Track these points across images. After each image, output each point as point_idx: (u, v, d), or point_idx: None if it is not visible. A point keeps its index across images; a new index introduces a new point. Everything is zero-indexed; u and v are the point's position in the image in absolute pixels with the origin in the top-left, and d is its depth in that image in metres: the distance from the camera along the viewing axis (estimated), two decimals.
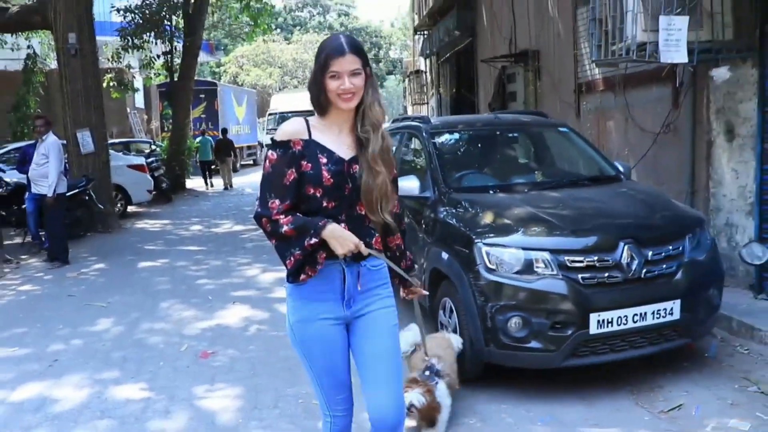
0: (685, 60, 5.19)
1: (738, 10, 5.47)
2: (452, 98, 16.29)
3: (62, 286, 7.72)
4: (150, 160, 15.96)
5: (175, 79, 19.12)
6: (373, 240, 2.47)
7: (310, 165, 2.37)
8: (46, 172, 8.71)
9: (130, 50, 18.31)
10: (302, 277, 2.41)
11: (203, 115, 26.65)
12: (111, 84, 18.52)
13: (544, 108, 9.74)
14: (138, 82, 24.13)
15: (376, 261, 2.50)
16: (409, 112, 24.19)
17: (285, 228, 2.35)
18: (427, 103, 20.45)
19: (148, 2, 18.22)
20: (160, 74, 20.59)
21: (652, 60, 5.22)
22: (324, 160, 2.38)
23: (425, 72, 20.60)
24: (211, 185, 20.29)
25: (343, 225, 2.38)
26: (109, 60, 18.85)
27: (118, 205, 13.43)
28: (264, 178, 2.42)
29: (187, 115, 19.72)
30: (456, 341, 4.06)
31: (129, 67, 20.53)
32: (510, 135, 5.80)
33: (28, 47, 19.41)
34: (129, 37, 17.84)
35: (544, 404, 4.05)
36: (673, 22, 5.13)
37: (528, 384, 4.29)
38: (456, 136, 5.70)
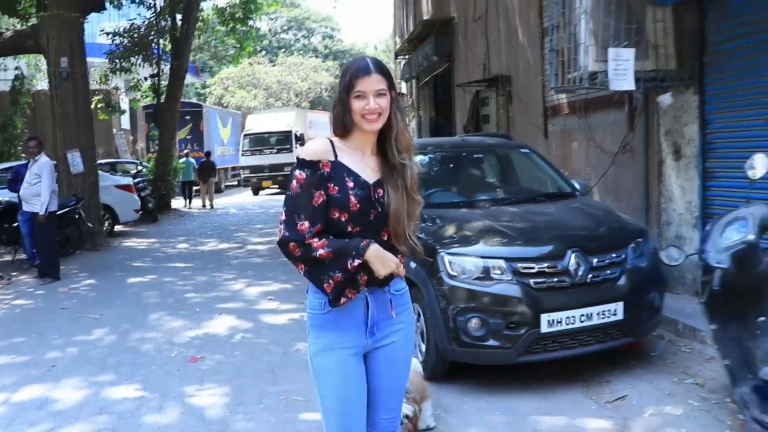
0: (633, 87, 5.74)
1: (679, 42, 6.03)
2: (431, 121, 16.85)
3: (55, 300, 8.09)
4: (136, 180, 16.34)
5: (162, 101, 19.57)
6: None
7: (336, 188, 2.30)
8: (38, 191, 9.10)
9: (117, 72, 18.79)
10: (343, 300, 2.32)
11: (189, 136, 27.07)
12: (99, 105, 18.89)
13: (514, 130, 10.30)
14: (124, 104, 24.57)
15: (398, 285, 2.46)
16: None
17: (320, 252, 2.26)
18: (408, 125, 21.01)
19: (136, 26, 18.71)
20: (147, 96, 21.03)
21: (602, 87, 5.76)
22: (351, 184, 2.31)
23: (407, 95, 21.16)
24: (189, 206, 20.89)
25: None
26: (97, 82, 19.28)
27: (106, 224, 13.79)
28: (291, 199, 2.32)
29: (173, 137, 20.15)
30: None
31: (116, 89, 20.95)
32: (475, 156, 6.32)
33: (16, 68, 19.79)
34: (117, 60, 18.33)
35: (501, 397, 4.50)
36: (621, 54, 5.67)
37: (488, 380, 4.75)
38: (427, 157, 6.21)
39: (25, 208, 9.41)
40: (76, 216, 11.25)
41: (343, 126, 2.35)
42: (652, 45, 5.95)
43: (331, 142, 2.38)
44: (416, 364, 4.35)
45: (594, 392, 4.58)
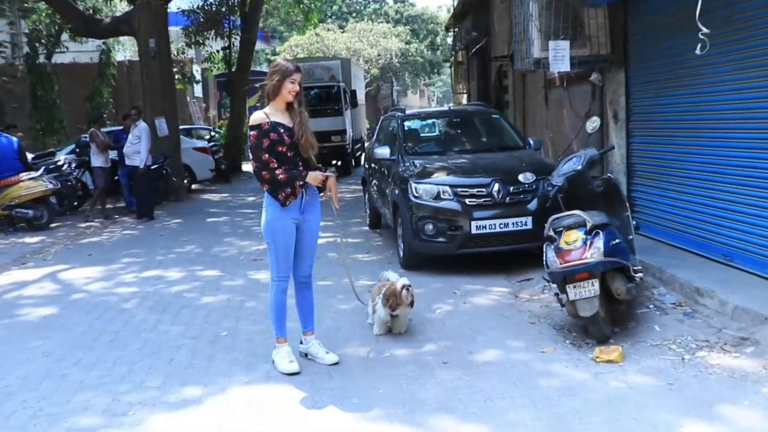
0: (568, 69, 8.52)
1: (612, 34, 8.76)
2: (479, 88, 19.64)
3: (153, 231, 11.65)
4: (210, 144, 19.92)
5: (233, 71, 23.02)
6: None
7: (275, 135, 4.65)
8: (138, 149, 12.60)
9: (192, 46, 22.44)
10: (288, 202, 4.71)
11: (258, 104, 30.56)
12: (176, 77, 22.51)
13: (527, 100, 13.11)
14: (197, 74, 28.33)
15: (314, 190, 4.88)
16: (454, 100, 27.49)
17: (281, 176, 4.61)
18: (465, 92, 23.76)
19: (209, 3, 22.20)
20: (219, 67, 24.61)
21: (545, 69, 8.60)
22: (281, 130, 4.69)
23: (464, 63, 23.89)
24: None
25: (300, 163, 4.74)
26: (174, 55, 22.93)
27: (185, 181, 17.36)
28: (254, 146, 4.66)
29: (244, 105, 23.66)
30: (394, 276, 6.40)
31: (192, 61, 24.67)
32: (455, 120, 9.36)
33: (103, 44, 23.61)
34: (192, 35, 21.93)
35: (444, 275, 7.55)
36: (559, 45, 8.48)
37: (439, 268, 7.78)
38: (419, 120, 9.26)
39: (127, 162, 12.91)
40: (164, 171, 14.74)
41: (276, 95, 4.71)
42: (588, 36, 8.72)
43: (264, 112, 4.75)
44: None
45: (512, 277, 7.55)
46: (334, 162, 21.21)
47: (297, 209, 4.84)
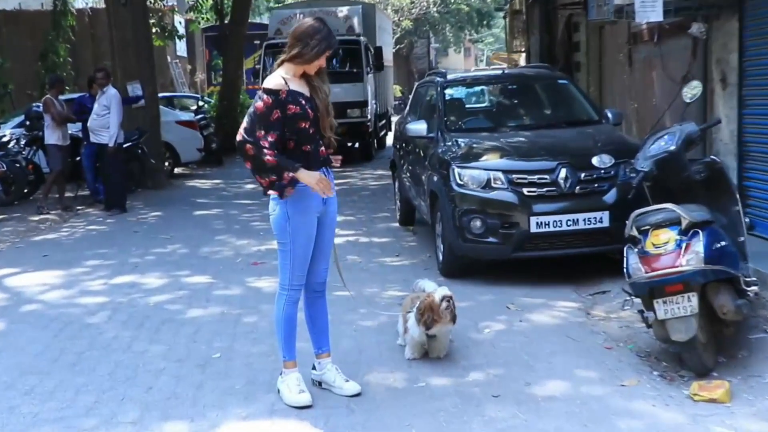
0: (661, 18, 8.48)
1: None
2: (544, 45, 19.55)
3: (126, 226, 11.87)
4: (198, 117, 19.93)
5: (225, 23, 23.08)
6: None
7: (297, 107, 4.71)
8: (107, 123, 12.67)
9: None
10: (269, 192, 4.77)
11: (258, 66, 30.73)
12: (154, 30, 22.55)
13: (604, 61, 13.07)
14: (180, 27, 28.30)
15: (332, 175, 5.04)
16: (508, 61, 27.40)
17: (268, 157, 4.56)
18: (523, 50, 23.67)
19: None
20: (208, 18, 24.65)
21: (628, 19, 8.59)
22: (303, 102, 4.76)
23: (522, 13, 23.76)
24: None
25: (320, 141, 4.89)
26: (151, 2, 22.99)
27: (166, 163, 17.43)
28: (256, 115, 4.65)
29: (240, 66, 23.70)
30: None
31: (174, 10, 24.77)
32: (511, 87, 9.44)
33: None
34: None
35: (498, 286, 7.59)
36: None
37: (493, 277, 7.83)
38: (465, 88, 9.33)
39: (93, 139, 12.94)
40: (139, 151, 14.85)
41: (305, 63, 4.78)
42: None
43: (283, 77, 4.78)
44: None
45: (583, 289, 7.55)
46: (350, 144, 20.61)
47: (320, 199, 4.92)
